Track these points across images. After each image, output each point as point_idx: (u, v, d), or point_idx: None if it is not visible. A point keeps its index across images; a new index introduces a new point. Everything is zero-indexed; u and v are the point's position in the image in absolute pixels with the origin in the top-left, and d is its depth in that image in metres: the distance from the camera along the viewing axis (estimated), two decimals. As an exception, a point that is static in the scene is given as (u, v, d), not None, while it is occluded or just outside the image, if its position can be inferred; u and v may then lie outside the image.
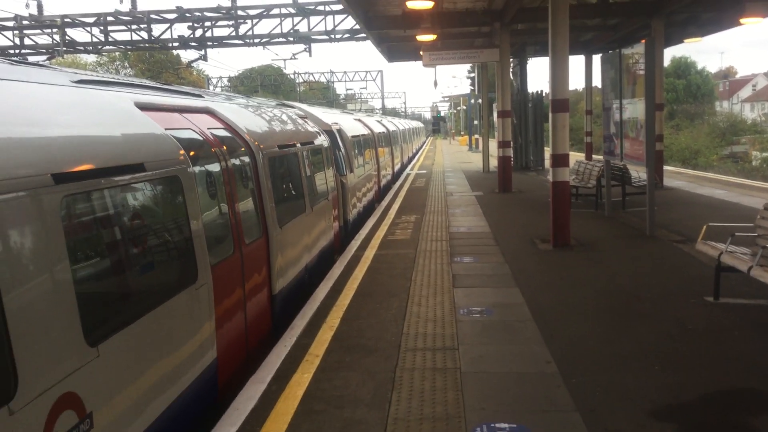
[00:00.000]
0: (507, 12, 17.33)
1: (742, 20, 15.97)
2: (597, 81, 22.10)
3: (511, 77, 23.37)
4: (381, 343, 6.13)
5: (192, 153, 5.32)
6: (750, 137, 59.13)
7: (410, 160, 40.37)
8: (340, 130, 14.23)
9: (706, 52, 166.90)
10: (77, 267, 3.52)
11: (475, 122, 54.42)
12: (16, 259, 3.01)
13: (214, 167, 5.87)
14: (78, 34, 31.21)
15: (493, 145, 28.07)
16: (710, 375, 5.21)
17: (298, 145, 9.27)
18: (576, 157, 22.49)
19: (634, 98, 11.58)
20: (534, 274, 8.81)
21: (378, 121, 26.15)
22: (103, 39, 29.43)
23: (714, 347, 5.86)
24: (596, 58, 27.00)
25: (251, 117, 8.05)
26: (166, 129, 5.08)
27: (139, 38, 29.41)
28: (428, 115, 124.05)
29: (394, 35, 22.34)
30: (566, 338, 6.15)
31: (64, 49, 29.83)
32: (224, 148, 6.22)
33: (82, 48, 30.91)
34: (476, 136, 52.43)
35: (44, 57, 29.99)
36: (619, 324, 6.55)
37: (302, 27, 28.75)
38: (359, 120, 19.87)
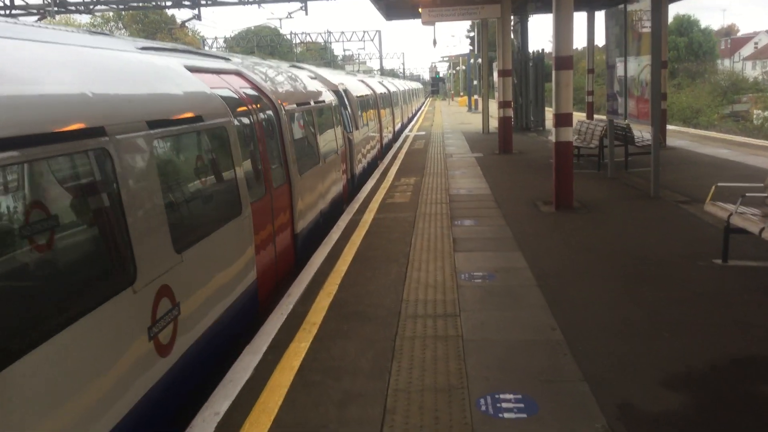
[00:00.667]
0: (508, -33, 16.85)
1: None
2: (599, 39, 21.64)
3: (512, 36, 22.83)
4: (380, 310, 5.94)
5: (231, 109, 6.16)
6: (752, 96, 58.49)
7: (410, 120, 40.05)
8: (346, 90, 15.01)
9: (708, 9, 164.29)
10: (167, 193, 4.57)
11: (475, 83, 53.77)
12: (131, 184, 4.01)
13: (248, 121, 6.76)
14: (68, -6, 30.44)
15: (493, 105, 27.65)
16: (721, 341, 5.03)
17: (312, 102, 10.18)
18: (577, 117, 22.14)
19: (639, 55, 11.22)
20: (537, 237, 8.60)
21: (379, 82, 25.91)
22: (94, -1, 28.77)
23: (724, 312, 5.67)
24: (599, 15, 26.43)
25: (272, 77, 8.90)
26: (211, 88, 5.98)
27: (132, -3, 28.76)
28: (427, 76, 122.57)
29: (392, -8, 21.79)
30: (571, 304, 5.95)
31: (56, 9, 29.18)
32: (255, 105, 7.14)
33: (73, 8, 30.24)
34: (476, 96, 51.83)
35: (35, 17, 29.34)
36: (625, 288, 6.36)
37: (298, -16, 28.09)
38: (362, 81, 20.23)
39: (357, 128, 14.98)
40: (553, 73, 10.12)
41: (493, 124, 26.96)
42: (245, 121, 6.67)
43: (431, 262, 7.47)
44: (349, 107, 14.69)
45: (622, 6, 12.02)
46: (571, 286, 6.46)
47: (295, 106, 8.77)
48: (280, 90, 8.57)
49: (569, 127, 10.18)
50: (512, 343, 5.10)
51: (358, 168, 14.71)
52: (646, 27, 11.14)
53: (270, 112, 7.62)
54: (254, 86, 7.61)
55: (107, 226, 3.82)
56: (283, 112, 7.98)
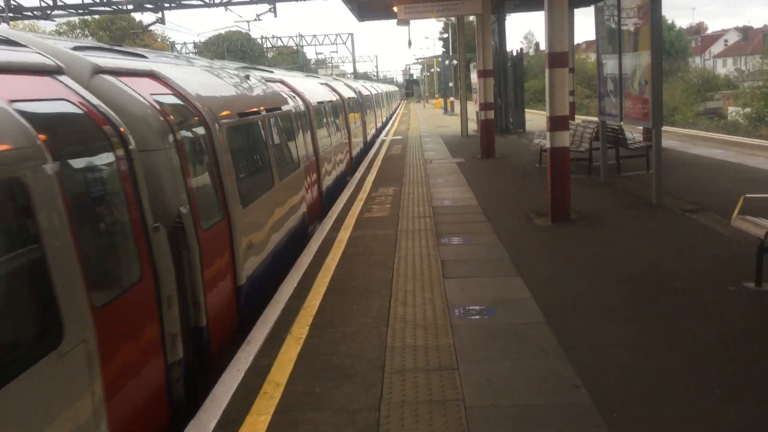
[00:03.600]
0: (487, -39, 15.88)
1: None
2: (579, 36, 20.74)
3: (490, 34, 21.84)
4: (360, 362, 4.84)
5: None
6: (726, 93, 58.47)
7: (384, 125, 38.89)
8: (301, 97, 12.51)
9: (677, 7, 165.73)
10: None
11: (450, 84, 52.89)
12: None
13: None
14: (24, -1, 28.95)
15: (471, 107, 26.70)
16: (789, 400, 4.01)
17: (263, 112, 8.23)
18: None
19: (637, 51, 10.27)
20: (536, 257, 7.56)
21: (347, 86, 24.57)
22: (51, 3, 27.31)
23: (778, 356, 4.67)
24: (578, 12, 25.66)
25: (205, 81, 6.98)
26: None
27: (91, 1, 27.35)
28: (401, 79, 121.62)
29: (364, -10, 20.72)
30: (591, 348, 4.91)
31: (10, 15, 27.68)
32: (170, 117, 5.10)
33: (30, 13, 28.75)
34: (451, 98, 50.96)
35: (-13, 24, 27.79)
36: (652, 324, 5.33)
37: (266, -15, 26.91)
38: (326, 84, 18.24)
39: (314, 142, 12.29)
40: (546, 71, 9.10)
41: (472, 126, 26.02)
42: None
43: (418, 293, 6.39)
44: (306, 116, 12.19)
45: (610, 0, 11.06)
46: (586, 323, 5.42)
47: (237, 117, 6.89)
48: (214, 96, 6.63)
49: (565, 132, 9.18)
50: (528, 411, 4.03)
51: (320, 190, 12.23)
52: (637, 22, 10.22)
53: (197, 128, 5.70)
54: (176, 92, 5.69)
55: None
56: (217, 127, 5.99)
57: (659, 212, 9.58)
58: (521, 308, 5.84)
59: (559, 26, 8.92)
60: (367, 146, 24.60)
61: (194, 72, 7.02)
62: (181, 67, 6.79)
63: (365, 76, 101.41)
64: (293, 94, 11.95)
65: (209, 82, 7.14)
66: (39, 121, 3.38)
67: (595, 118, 17.20)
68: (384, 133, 31.40)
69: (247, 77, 9.19)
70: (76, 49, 4.87)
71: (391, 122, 42.13)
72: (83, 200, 3.75)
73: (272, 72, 13.23)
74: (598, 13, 12.16)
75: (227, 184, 5.92)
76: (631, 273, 6.73)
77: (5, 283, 3.00)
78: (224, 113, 6.46)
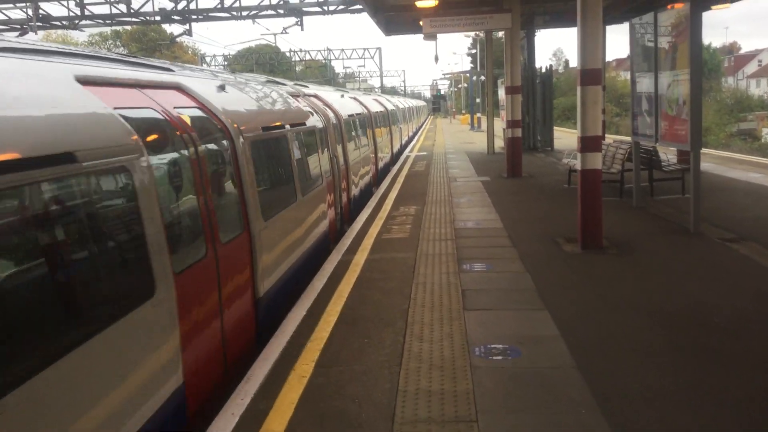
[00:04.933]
0: (517, -26, 15.41)
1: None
2: (610, 54, 20.13)
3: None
4: (367, 408, 4.36)
5: (143, 136, 4.26)
6: (759, 114, 57.28)
7: (411, 139, 38.58)
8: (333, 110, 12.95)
9: (709, 26, 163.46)
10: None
11: (477, 100, 52.38)
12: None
13: (177, 154, 4.98)
14: (53, 8, 29.10)
15: (498, 124, 26.20)
16: None
17: (288, 126, 8.30)
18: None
19: (675, 70, 9.71)
20: (564, 289, 7.02)
21: (375, 100, 24.42)
22: (79, 13, 27.39)
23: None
24: (609, 29, 25.08)
25: (230, 95, 6.96)
26: (116, 108, 4.15)
27: (119, 12, 27.37)
28: (428, 94, 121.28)
29: (391, 4, 20.35)
30: (628, 400, 4.37)
31: (38, 24, 27.81)
32: (191, 132, 5.22)
33: (58, 23, 28.87)
34: (478, 114, 50.42)
35: (16, 33, 27.97)
36: (695, 372, 4.77)
37: (293, -2, 26.70)
38: (354, 98, 18.30)
39: (344, 154, 12.76)
40: (579, 89, 8.59)
41: (499, 143, 25.50)
42: (172, 154, 4.89)
43: (436, 327, 5.90)
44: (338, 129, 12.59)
45: (652, 13, 10.52)
46: (621, 369, 4.87)
47: (261, 131, 6.96)
48: (239, 110, 6.75)
49: (598, 153, 8.64)
50: (556, 478, 3.51)
51: (349, 198, 12.72)
52: (673, 39, 9.68)
53: (221, 140, 5.85)
54: (200, 105, 5.79)
55: None
56: (241, 139, 6.13)
57: (696, 241, 8.98)
58: (548, 348, 5.31)
59: (593, 41, 8.41)
60: (394, 158, 24.90)
61: (219, 85, 6.90)
62: (206, 81, 6.74)
63: (393, 91, 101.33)
64: (325, 107, 12.33)
65: (234, 96, 7.12)
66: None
67: (627, 138, 16.61)
68: (409, 148, 30.97)
69: (273, 91, 9.26)
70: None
71: (417, 137, 41.71)
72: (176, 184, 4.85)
73: (307, 86, 13.60)
74: (633, 30, 11.63)
75: (249, 197, 6.07)
76: (668, 310, 6.16)
77: (121, 247, 3.91)
78: (249, 126, 6.54)
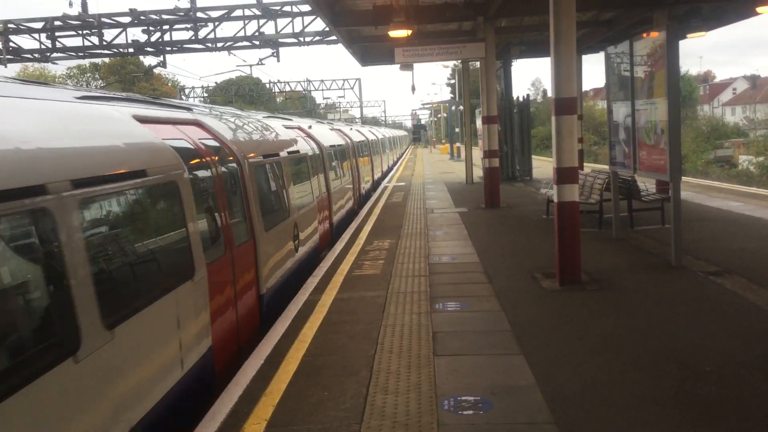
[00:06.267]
0: (491, 4, 15.20)
1: (759, 9, 13.93)
2: (586, 84, 20.05)
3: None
4: (321, 477, 3.88)
5: (185, 161, 5.82)
6: (736, 141, 57.89)
7: (391, 168, 38.55)
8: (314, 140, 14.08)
9: (684, 55, 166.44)
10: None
11: (456, 130, 52.39)
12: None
13: (205, 174, 6.47)
14: (24, 41, 28.72)
15: (476, 153, 25.95)
16: None
17: (282, 153, 9.98)
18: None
19: (652, 98, 9.45)
20: (542, 330, 6.60)
21: (356, 131, 24.54)
22: (50, 45, 26.96)
23: None
24: (585, 59, 25.08)
25: (237, 127, 8.77)
26: (163, 139, 5.69)
27: (91, 44, 26.99)
28: (409, 123, 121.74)
29: (366, 35, 20.17)
30: (610, 462, 3.93)
31: (9, 57, 27.34)
32: (213, 157, 6.81)
33: (29, 56, 28.42)
34: (458, 144, 50.38)
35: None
36: (686, 428, 4.35)
37: (268, 29, 26.48)
38: (338, 129, 19.09)
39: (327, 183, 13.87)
40: (553, 119, 8.28)
41: (477, 173, 25.25)
42: (201, 173, 6.38)
43: (403, 375, 5.44)
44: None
45: (628, 42, 10.31)
46: (603, 426, 4.44)
47: (261, 158, 8.57)
48: (243, 140, 8.49)
49: (574, 185, 8.30)
50: None
51: (331, 222, 13.88)
52: (648, 68, 9.45)
53: (232, 165, 7.31)
54: (215, 137, 7.30)
55: None
56: (247, 164, 7.62)
57: (679, 275, 8.63)
58: (523, 400, 4.87)
59: (568, 69, 8.11)
60: (374, 185, 25.94)
61: (228, 120, 8.61)
62: (216, 117, 8.26)
63: (375, 121, 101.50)
64: (308, 138, 13.33)
65: (240, 129, 8.90)
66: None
67: (606, 167, 16.37)
68: (388, 178, 30.69)
69: (269, 125, 10.91)
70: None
71: (396, 167, 41.48)
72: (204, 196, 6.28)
73: (291, 119, 15.04)
74: (609, 59, 11.41)
75: (254, 210, 7.54)
76: (652, 353, 5.76)
77: (176, 239, 5.38)
78: (252, 154, 8.15)
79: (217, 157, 6.82)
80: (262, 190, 8.23)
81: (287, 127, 12.17)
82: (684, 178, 22.67)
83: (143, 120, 5.64)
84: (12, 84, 4.66)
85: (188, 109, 7.63)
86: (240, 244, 6.92)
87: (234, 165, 7.34)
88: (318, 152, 13.50)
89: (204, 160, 6.52)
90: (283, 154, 9.93)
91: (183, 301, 5.17)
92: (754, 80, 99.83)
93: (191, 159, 6.16)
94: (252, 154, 8.07)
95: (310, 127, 14.85)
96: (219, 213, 6.50)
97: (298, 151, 11.09)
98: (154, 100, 7.14)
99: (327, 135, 16.23)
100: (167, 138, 5.80)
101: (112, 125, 5.02)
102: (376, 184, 26.43)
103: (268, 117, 12.37)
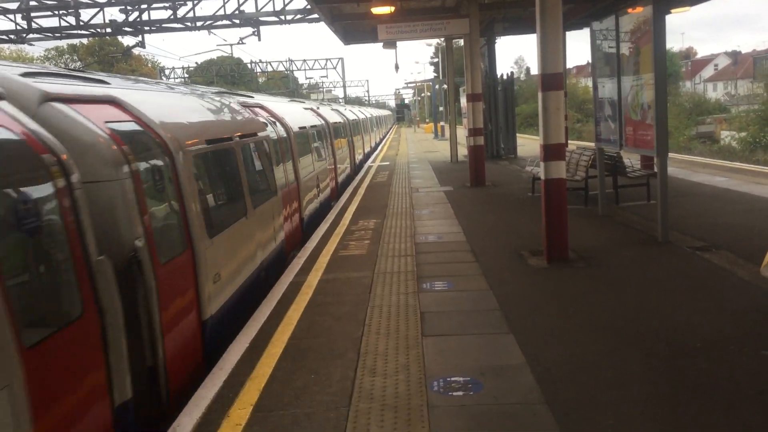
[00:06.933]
0: (474, -21, 15.03)
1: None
2: (569, 61, 19.91)
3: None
4: (308, 463, 3.79)
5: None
6: (717, 117, 58.18)
7: (373, 150, 38.07)
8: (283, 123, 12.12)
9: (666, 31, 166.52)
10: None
11: (440, 109, 52.17)
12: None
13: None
14: (-1, 22, 28.08)
15: (460, 132, 25.84)
16: None
17: (237, 138, 8.10)
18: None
19: (638, 74, 9.35)
20: (530, 308, 6.53)
21: (334, 110, 23.85)
22: (26, 26, 26.39)
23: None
24: (568, 36, 24.94)
25: (171, 107, 6.90)
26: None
27: (68, 24, 26.45)
28: (393, 103, 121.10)
29: (348, 12, 19.87)
30: (603, 442, 3.88)
31: (-16, 38, 26.77)
32: (124, 146, 4.88)
33: (5, 37, 27.82)
34: (441, 123, 50.20)
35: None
36: (675, 407, 4.29)
37: (249, 8, 26.20)
38: (311, 109, 17.63)
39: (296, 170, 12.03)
40: (540, 95, 8.17)
41: (462, 152, 25.14)
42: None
43: (391, 357, 5.36)
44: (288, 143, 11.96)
45: (614, 17, 10.19)
46: (594, 405, 4.38)
47: (205, 144, 6.69)
48: (180, 122, 6.50)
49: (561, 161, 8.21)
50: None
51: (301, 217, 11.98)
52: (634, 43, 9.35)
53: (158, 157, 5.51)
54: (136, 119, 5.49)
55: None
56: (182, 154, 5.82)
57: (666, 250, 8.60)
58: (513, 380, 4.80)
59: (554, 44, 7.99)
60: (355, 171, 24.20)
61: (162, 98, 6.94)
62: (146, 93, 6.65)
63: (358, 101, 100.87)
64: (273, 120, 11.52)
65: (177, 108, 7.05)
66: None
67: (591, 144, 16.31)
68: (372, 158, 30.49)
69: (221, 102, 9.04)
70: (25, 75, 4.68)
71: (380, 147, 41.25)
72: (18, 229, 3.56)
73: (252, 96, 12.68)
74: (594, 35, 11.29)
75: (191, 214, 5.78)
76: (641, 330, 5.71)
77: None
78: (191, 140, 6.32)
79: (133, 148, 4.99)
80: (205, 185, 6.63)
81: (245, 106, 10.16)
82: (670, 154, 22.71)
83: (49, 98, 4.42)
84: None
85: (102, 82, 5.91)
86: (167, 261, 5.17)
87: (162, 157, 5.56)
88: (285, 135, 11.72)
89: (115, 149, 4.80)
90: (237, 139, 8.05)
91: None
92: (735, 56, 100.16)
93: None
94: (191, 141, 6.27)
95: (273, 105, 12.83)
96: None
97: (256, 134, 9.14)
98: (61, 72, 5.57)
99: (296, 114, 14.42)
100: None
101: None
102: (357, 168, 25.00)
103: (221, 93, 10.41)
